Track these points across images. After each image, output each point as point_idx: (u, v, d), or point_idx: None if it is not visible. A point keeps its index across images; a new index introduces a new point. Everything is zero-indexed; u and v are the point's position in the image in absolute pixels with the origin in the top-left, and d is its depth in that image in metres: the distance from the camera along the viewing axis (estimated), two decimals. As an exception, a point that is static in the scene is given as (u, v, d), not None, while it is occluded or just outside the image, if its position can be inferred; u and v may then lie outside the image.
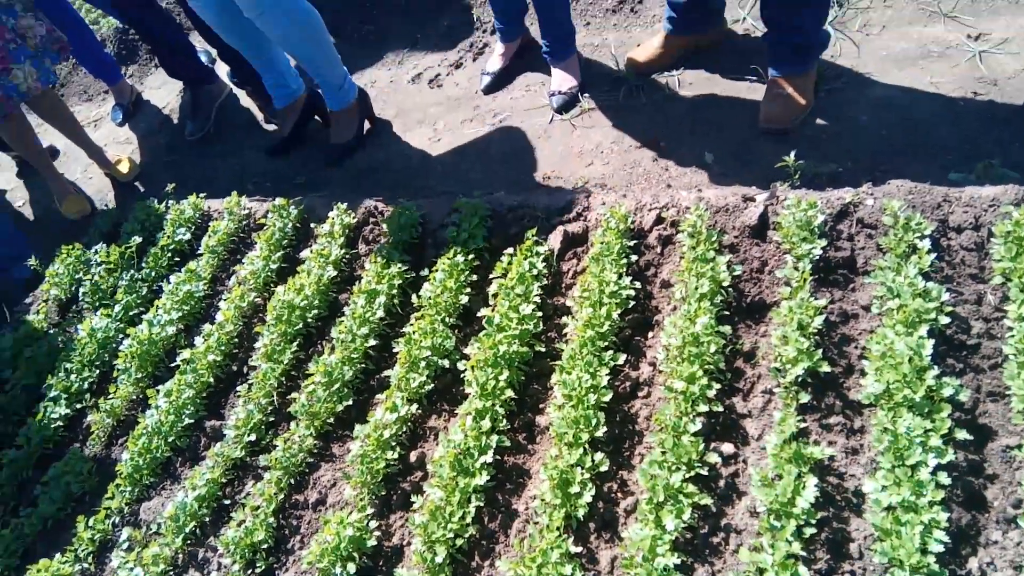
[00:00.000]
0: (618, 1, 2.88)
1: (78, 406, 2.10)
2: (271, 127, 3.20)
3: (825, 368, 1.44)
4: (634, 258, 1.81)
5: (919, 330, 1.42)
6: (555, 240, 1.96)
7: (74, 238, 3.05)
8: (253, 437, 1.84)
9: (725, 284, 1.62)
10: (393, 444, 1.69)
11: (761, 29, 2.39)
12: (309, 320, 2.05)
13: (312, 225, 2.34)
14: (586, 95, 2.60)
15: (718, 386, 1.48)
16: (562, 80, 2.64)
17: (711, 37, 2.52)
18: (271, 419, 1.89)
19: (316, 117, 3.00)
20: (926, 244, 1.53)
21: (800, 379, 1.44)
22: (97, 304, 2.35)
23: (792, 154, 1.94)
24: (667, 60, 2.54)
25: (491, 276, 1.94)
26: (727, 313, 1.63)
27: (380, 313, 1.96)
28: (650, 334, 1.71)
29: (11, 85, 2.73)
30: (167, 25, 3.21)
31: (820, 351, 1.46)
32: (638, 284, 1.75)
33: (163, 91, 3.77)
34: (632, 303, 1.71)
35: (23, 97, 2.81)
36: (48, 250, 2.99)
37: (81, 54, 3.46)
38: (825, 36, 2.15)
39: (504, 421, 1.63)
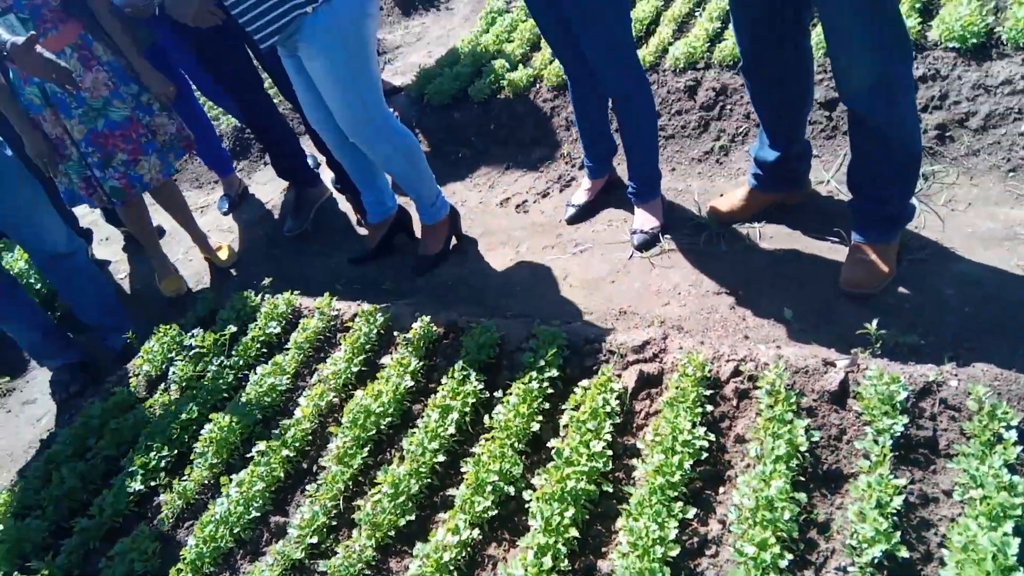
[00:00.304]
0: (704, 152, 3.03)
1: (152, 483, 2.18)
2: (363, 232, 3.40)
3: (903, 553, 1.40)
4: (709, 408, 1.83)
5: (1004, 526, 1.38)
6: (630, 378, 2.00)
7: (167, 314, 3.25)
8: (315, 540, 1.87)
9: (802, 449, 1.62)
10: (451, 568, 1.70)
11: (845, 193, 2.48)
12: (382, 427, 2.11)
13: (395, 333, 2.45)
14: (667, 236, 2.70)
15: (790, 556, 1.45)
16: (644, 219, 2.76)
17: (794, 196, 2.61)
18: (334, 523, 1.93)
19: (404, 232, 3.19)
20: (1012, 435, 1.51)
21: (876, 560, 1.41)
22: (185, 385, 2.48)
23: (874, 323, 1.96)
24: (749, 213, 2.64)
25: (563, 407, 1.98)
26: (802, 479, 1.62)
27: (452, 429, 2.01)
28: (721, 489, 1.70)
29: (137, 175, 3.01)
30: (283, 130, 3.51)
31: (898, 533, 1.43)
32: (712, 436, 1.76)
33: (268, 187, 4.07)
34: (705, 454, 1.71)
35: (145, 187, 3.08)
36: (142, 324, 3.19)
37: (201, 148, 3.79)
38: (911, 209, 2.21)
39: (565, 561, 1.62)
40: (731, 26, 3.21)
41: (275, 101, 3.61)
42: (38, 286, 3.50)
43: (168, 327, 2.72)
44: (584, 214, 3.00)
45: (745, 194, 2.63)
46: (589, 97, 2.75)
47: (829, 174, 2.71)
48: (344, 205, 3.62)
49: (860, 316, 2.10)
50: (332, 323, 2.57)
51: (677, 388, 1.85)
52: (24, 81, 2.77)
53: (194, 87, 3.83)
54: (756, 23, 2.19)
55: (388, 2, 5.59)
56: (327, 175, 3.70)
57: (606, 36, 2.39)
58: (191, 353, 2.55)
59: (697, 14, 3.53)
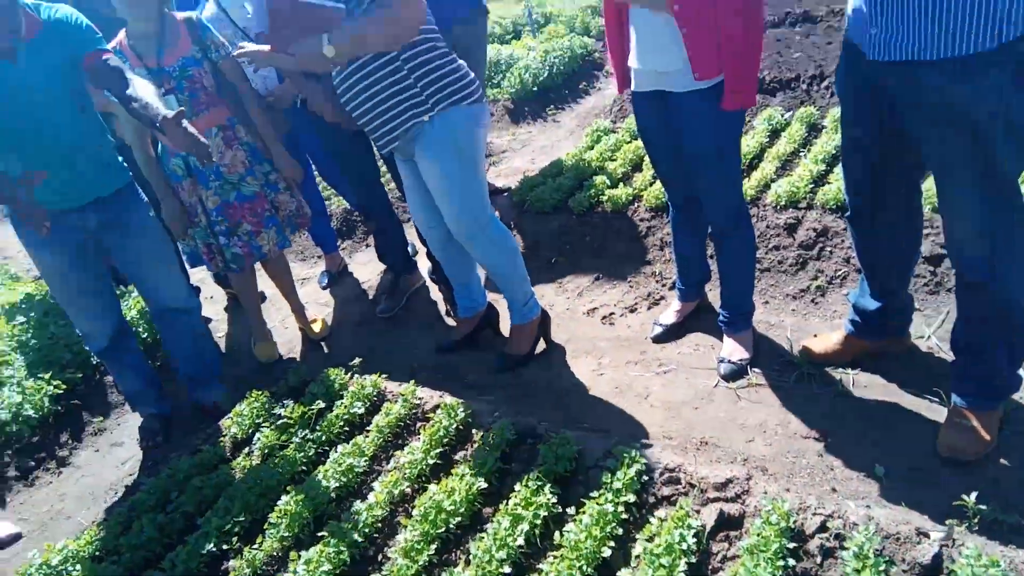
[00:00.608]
0: (799, 290, 3.03)
1: (225, 547, 2.24)
2: (452, 323, 3.51)
3: None
4: (791, 562, 1.76)
5: None
6: (709, 516, 1.96)
7: (256, 376, 3.40)
8: (373, 632, 1.87)
9: (890, 623, 1.54)
10: None
11: (947, 352, 2.42)
12: (452, 526, 2.12)
13: (473, 430, 2.48)
14: (756, 370, 2.68)
15: None
16: (733, 349, 2.75)
17: (892, 347, 2.57)
18: (393, 618, 1.92)
19: (491, 328, 3.28)
20: None
21: None
22: (268, 453, 2.57)
23: (973, 496, 1.87)
24: (843, 358, 2.60)
25: (636, 535, 1.95)
26: (888, 655, 1.53)
27: (520, 540, 2.00)
28: (798, 652, 1.62)
29: (256, 245, 3.24)
30: (390, 219, 3.72)
31: None
32: (791, 591, 1.70)
33: (367, 268, 4.28)
34: (783, 611, 1.65)
35: (261, 256, 3.30)
36: (231, 382, 3.35)
37: (312, 225, 4.04)
38: (1019, 379, 2.14)
39: None
40: (837, 171, 3.29)
41: (387, 188, 3.85)
42: (144, 335, 3.73)
43: (260, 393, 2.85)
44: (671, 335, 3.02)
45: (840, 338, 2.60)
46: (690, 224, 2.82)
47: (931, 330, 2.65)
48: (436, 295, 3.76)
49: (955, 483, 2.01)
50: (413, 411, 2.64)
51: (759, 536, 1.80)
52: (171, 153, 3.06)
53: (314, 169, 4.14)
54: (867, 175, 2.23)
55: (499, 110, 5.94)
56: (424, 264, 3.87)
57: (717, 170, 2.48)
58: (278, 422, 2.65)
59: (802, 154, 3.61)
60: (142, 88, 2.49)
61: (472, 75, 2.68)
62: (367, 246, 4.56)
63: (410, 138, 2.63)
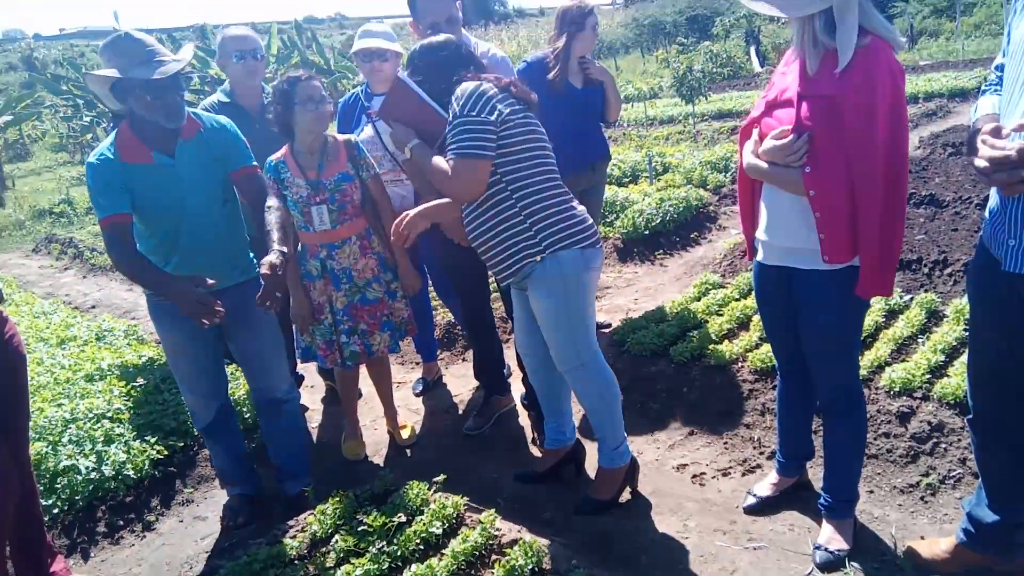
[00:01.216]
0: (908, 484, 2.86)
1: (287, 648, 2.24)
2: (536, 452, 3.50)
3: None
4: None
5: None
6: None
7: (340, 471, 3.47)
8: None
9: None
10: None
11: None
12: (515, 675, 2.04)
13: (546, 571, 2.42)
14: (854, 564, 2.51)
15: None
16: (831, 537, 2.60)
17: (1009, 566, 2.36)
18: None
19: (574, 464, 3.25)
20: None
21: None
22: (342, 558, 2.58)
23: None
24: (952, 568, 2.40)
25: None
26: None
27: None
28: None
29: (369, 344, 3.41)
30: (492, 339, 3.82)
31: None
32: None
33: (461, 382, 4.37)
34: None
35: (371, 356, 3.46)
36: (317, 473, 3.43)
37: (418, 333, 4.21)
38: None
39: None
40: (958, 364, 3.16)
41: (493, 307, 3.98)
42: (246, 416, 3.90)
43: (344, 494, 2.90)
44: (765, 508, 2.89)
45: (951, 547, 2.41)
46: (798, 398, 2.76)
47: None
48: (525, 420, 3.78)
49: None
50: (491, 541, 2.61)
51: None
52: (309, 255, 3.32)
53: (429, 280, 4.35)
54: (995, 383, 2.15)
55: (608, 247, 6.10)
56: (518, 388, 3.92)
57: (835, 352, 2.44)
58: (358, 528, 2.68)
59: (920, 341, 3.50)
60: (273, 215, 2.90)
61: (588, 219, 2.83)
62: (464, 360, 4.68)
63: (523, 275, 2.76)
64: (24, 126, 20.84)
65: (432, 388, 4.36)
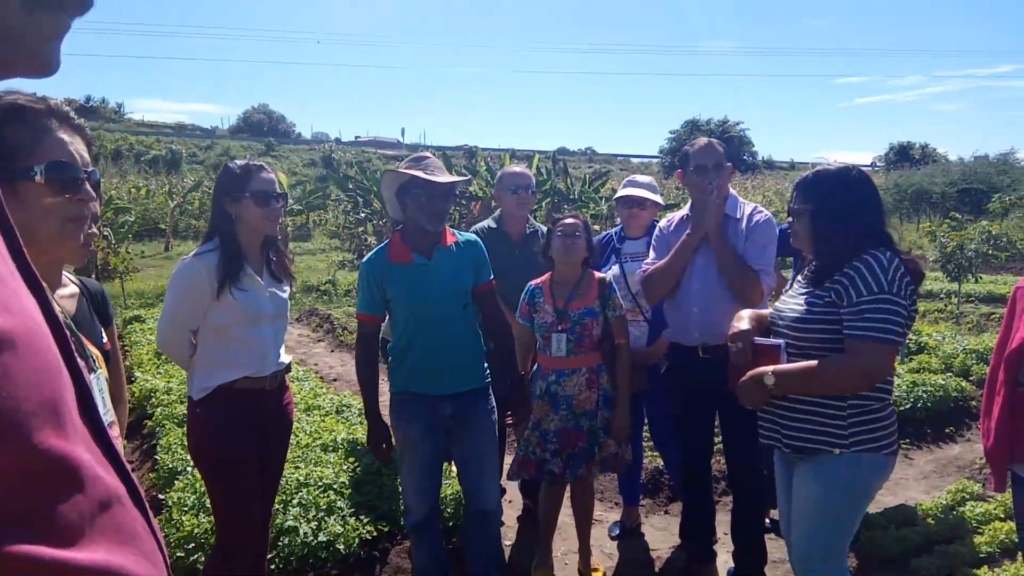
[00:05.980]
0: None
1: None
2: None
3: None
4: None
5: None
6: None
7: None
8: None
9: None
10: None
11: None
12: None
13: None
14: None
15: None
16: None
17: None
18: None
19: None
20: None
21: None
22: None
23: None
24: None
25: None
26: None
27: None
28: None
29: (574, 467, 3.40)
30: (706, 498, 3.63)
31: None
32: None
33: (661, 536, 4.16)
34: None
35: (576, 476, 3.47)
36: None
37: (625, 474, 4.12)
38: None
39: None
40: None
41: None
42: (449, 520, 4.02)
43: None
44: None
45: None
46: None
47: None
48: (727, 599, 3.47)
49: None
50: None
51: None
52: (540, 375, 3.45)
53: (645, 423, 4.28)
54: None
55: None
56: (725, 560, 3.63)
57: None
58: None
59: None
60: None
61: (896, 425, 2.49)
62: (665, 513, 4.46)
63: (806, 455, 2.46)
64: (312, 213, 24.52)
65: (629, 534, 4.19)
